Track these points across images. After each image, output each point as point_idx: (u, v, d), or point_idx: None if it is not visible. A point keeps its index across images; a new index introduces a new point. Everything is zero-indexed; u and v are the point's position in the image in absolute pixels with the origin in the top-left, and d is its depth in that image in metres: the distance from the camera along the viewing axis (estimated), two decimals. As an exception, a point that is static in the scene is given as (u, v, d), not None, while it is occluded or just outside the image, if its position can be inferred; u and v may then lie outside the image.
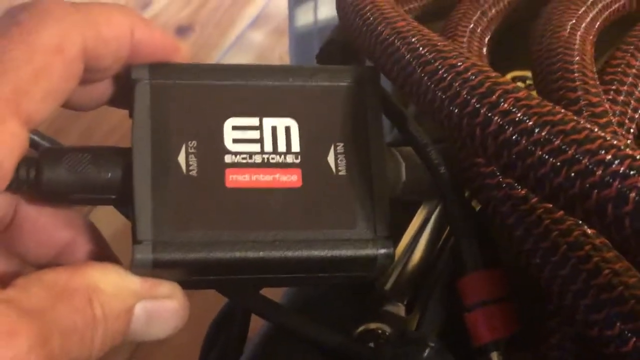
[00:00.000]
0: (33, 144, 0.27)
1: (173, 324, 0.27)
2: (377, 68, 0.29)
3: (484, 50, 0.36)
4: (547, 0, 0.37)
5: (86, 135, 1.32)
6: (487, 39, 0.37)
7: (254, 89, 0.29)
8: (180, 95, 0.28)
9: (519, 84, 0.39)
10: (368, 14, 0.30)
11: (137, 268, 0.26)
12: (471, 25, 0.36)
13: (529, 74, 0.38)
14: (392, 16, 0.29)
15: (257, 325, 0.35)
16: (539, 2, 0.38)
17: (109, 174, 0.27)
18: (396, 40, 0.28)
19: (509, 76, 0.40)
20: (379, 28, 0.29)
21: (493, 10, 0.38)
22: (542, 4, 0.37)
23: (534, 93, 0.32)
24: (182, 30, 1.56)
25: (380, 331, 0.31)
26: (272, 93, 0.29)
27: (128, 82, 0.28)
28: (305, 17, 0.55)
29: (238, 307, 0.34)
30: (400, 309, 0.32)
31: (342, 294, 0.33)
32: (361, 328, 0.31)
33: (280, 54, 1.56)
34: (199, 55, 1.49)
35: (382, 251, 0.28)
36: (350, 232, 0.28)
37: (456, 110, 0.25)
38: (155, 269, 0.26)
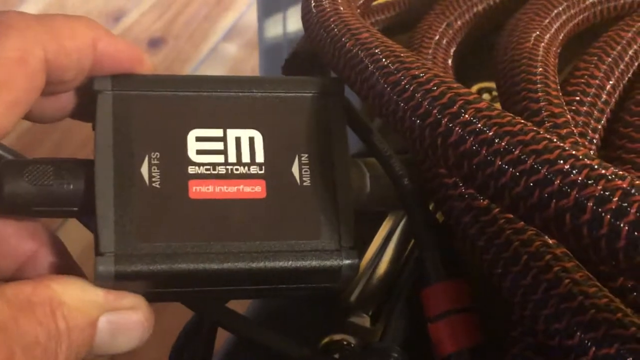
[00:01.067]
0: None
1: (138, 335, 0.27)
2: (342, 79, 0.29)
3: (449, 61, 0.36)
4: (513, 12, 0.38)
5: (57, 149, 1.31)
6: (452, 51, 0.37)
7: (218, 100, 0.28)
8: (143, 106, 0.28)
9: (485, 95, 0.40)
10: (332, 25, 0.30)
11: (100, 280, 0.26)
12: (437, 37, 0.36)
13: (492, 84, 0.39)
14: (356, 27, 0.29)
15: (224, 336, 0.35)
16: (504, 14, 0.39)
17: (71, 186, 0.27)
18: (360, 52, 0.28)
19: (475, 88, 0.40)
20: (343, 39, 0.29)
21: (459, 22, 0.38)
22: (508, 16, 0.38)
23: (499, 105, 0.33)
24: (155, 43, 1.56)
25: (345, 342, 0.31)
26: (236, 104, 0.29)
27: (90, 93, 0.28)
28: (274, 29, 0.55)
29: (204, 320, 0.34)
30: (365, 320, 0.32)
31: (307, 305, 0.33)
32: (326, 339, 0.31)
33: (253, 67, 1.56)
34: (172, 68, 1.49)
35: (347, 262, 0.28)
36: (314, 242, 0.28)
37: (418, 121, 0.25)
38: (118, 281, 0.26)
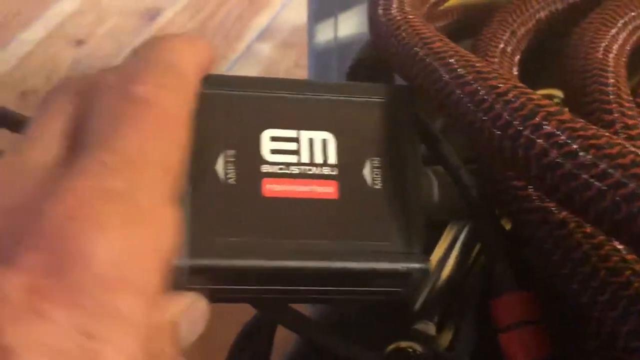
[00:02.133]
0: None
1: (204, 322, 0.27)
2: (413, 88, 0.29)
3: (514, 70, 0.36)
4: (576, 20, 0.37)
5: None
6: (517, 59, 0.36)
7: (292, 102, 0.29)
8: (218, 104, 0.28)
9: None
10: (403, 33, 0.30)
11: (173, 274, 0.26)
12: (501, 45, 0.36)
13: (555, 92, 0.38)
14: (428, 36, 0.29)
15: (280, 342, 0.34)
16: (566, 21, 0.38)
17: None
18: (433, 61, 0.28)
19: (536, 95, 0.40)
20: (415, 48, 0.29)
21: (522, 30, 0.38)
22: (571, 24, 0.37)
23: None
24: (190, 42, 1.56)
25: (411, 350, 0.30)
26: (310, 106, 0.29)
27: None
28: (325, 34, 0.55)
29: (264, 320, 0.34)
30: (430, 328, 0.32)
31: (371, 312, 0.33)
32: (392, 346, 0.31)
33: (287, 67, 1.56)
34: (207, 67, 1.50)
35: (417, 266, 0.28)
36: (385, 245, 0.28)
37: (498, 133, 0.25)
38: (192, 276, 0.26)
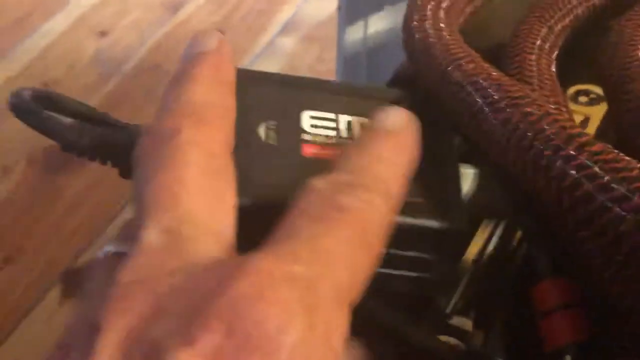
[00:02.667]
0: None
1: None
2: (447, 111, 0.29)
3: (552, 67, 0.35)
4: (614, 16, 0.37)
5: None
6: (554, 55, 0.36)
7: (331, 98, 0.30)
8: (262, 86, 0.30)
9: (582, 98, 0.39)
10: (436, 52, 0.30)
11: None
12: (539, 42, 0.35)
13: (592, 87, 0.38)
14: (462, 56, 0.29)
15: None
16: (603, 17, 0.38)
17: None
18: (467, 85, 0.28)
19: (572, 90, 0.39)
20: (448, 69, 0.29)
21: (559, 26, 0.37)
22: (607, 19, 0.37)
23: (601, 107, 0.33)
24: (213, 35, 1.56)
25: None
26: (348, 102, 0.30)
27: None
28: (354, 36, 0.54)
29: None
30: (467, 324, 0.32)
31: (409, 305, 0.33)
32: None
33: (309, 63, 1.56)
34: (229, 61, 1.49)
35: (454, 226, 0.28)
36: (421, 202, 0.28)
37: (531, 162, 0.25)
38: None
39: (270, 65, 1.51)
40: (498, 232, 0.33)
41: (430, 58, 0.30)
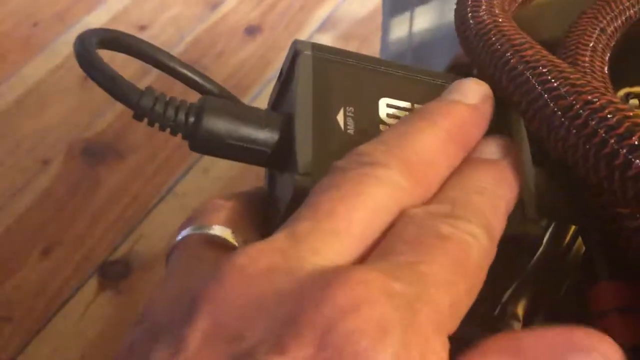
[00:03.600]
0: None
1: None
2: (503, 96, 0.28)
3: (605, 69, 0.34)
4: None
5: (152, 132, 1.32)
6: (607, 57, 0.35)
7: (405, 80, 0.30)
8: (339, 69, 0.29)
9: (633, 101, 0.38)
10: (493, 38, 0.29)
11: (294, 200, 0.26)
12: (591, 44, 0.34)
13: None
14: (520, 43, 0.28)
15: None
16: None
17: (267, 126, 0.28)
18: (525, 71, 0.27)
19: (622, 92, 0.38)
20: (507, 56, 0.28)
21: (612, 27, 0.36)
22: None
23: None
24: (251, 31, 1.56)
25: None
26: (422, 87, 0.30)
27: (290, 54, 0.30)
28: (399, 31, 0.53)
29: None
30: (516, 324, 0.32)
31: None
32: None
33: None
34: (267, 56, 1.50)
35: (532, 231, 0.27)
36: None
37: (593, 151, 0.24)
38: None
39: (308, 62, 1.50)
40: (550, 229, 0.33)
41: (486, 44, 0.29)
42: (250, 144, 0.28)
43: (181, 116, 0.27)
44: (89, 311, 1.08)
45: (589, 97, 0.25)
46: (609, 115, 0.24)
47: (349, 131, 0.28)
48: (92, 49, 0.28)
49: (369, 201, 0.23)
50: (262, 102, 1.19)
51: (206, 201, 0.28)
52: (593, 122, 0.24)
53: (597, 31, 0.36)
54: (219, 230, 0.27)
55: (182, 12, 1.61)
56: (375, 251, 0.22)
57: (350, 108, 0.28)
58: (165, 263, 0.27)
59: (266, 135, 0.28)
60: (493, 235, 0.24)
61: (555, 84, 0.26)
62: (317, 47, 0.29)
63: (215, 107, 0.28)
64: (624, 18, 0.37)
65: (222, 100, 0.29)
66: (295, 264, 0.21)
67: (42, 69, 1.44)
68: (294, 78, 0.29)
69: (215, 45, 1.51)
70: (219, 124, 0.28)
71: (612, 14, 0.37)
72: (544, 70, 0.27)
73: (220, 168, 1.27)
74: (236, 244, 0.26)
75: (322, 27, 1.63)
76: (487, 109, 0.28)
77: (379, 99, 0.29)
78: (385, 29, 0.55)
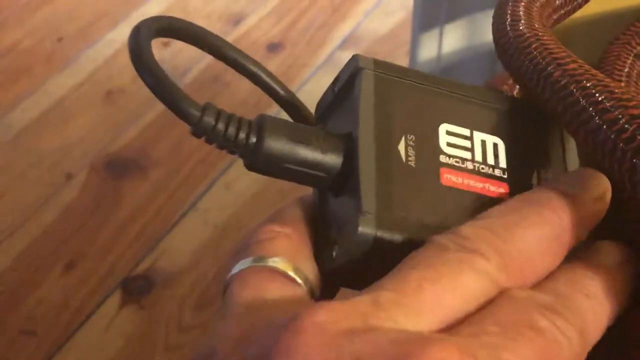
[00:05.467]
0: None
1: None
2: (545, 110, 0.28)
3: (640, 95, 0.34)
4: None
5: (175, 148, 1.33)
6: (641, 83, 0.35)
7: (465, 103, 0.29)
8: (400, 90, 0.28)
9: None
10: (535, 52, 0.29)
11: (356, 243, 0.26)
12: (626, 69, 0.34)
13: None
14: (562, 56, 0.28)
15: None
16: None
17: (327, 151, 0.27)
18: (569, 84, 0.27)
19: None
20: (549, 69, 0.28)
21: (646, 53, 0.36)
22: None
23: None
24: (273, 48, 1.57)
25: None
26: (480, 110, 0.29)
27: (349, 69, 0.29)
28: (428, 50, 0.53)
29: None
30: None
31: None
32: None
33: (369, 76, 1.55)
34: (289, 74, 1.50)
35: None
36: None
37: (641, 165, 0.24)
38: (372, 249, 0.26)
39: (329, 79, 1.50)
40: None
41: (528, 58, 0.29)
42: (311, 169, 0.27)
43: (242, 135, 0.27)
44: (111, 326, 1.08)
45: (636, 112, 0.25)
46: (656, 129, 0.24)
47: (410, 162, 0.27)
48: (150, 57, 0.27)
49: (460, 290, 0.23)
50: (283, 118, 1.18)
51: (259, 228, 0.27)
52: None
53: (630, 58, 0.36)
54: (281, 264, 0.26)
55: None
56: (466, 322, 0.22)
57: (411, 136, 0.27)
58: (222, 296, 0.26)
59: (327, 162, 0.27)
60: (587, 343, 0.23)
61: (599, 98, 0.26)
62: (378, 65, 0.28)
63: (276, 128, 0.27)
64: None
65: (282, 120, 0.28)
66: (376, 330, 0.21)
67: (66, 84, 1.45)
68: (354, 98, 0.28)
69: (237, 62, 1.51)
70: (280, 147, 0.27)
71: None
72: (588, 84, 0.26)
73: (243, 183, 1.27)
74: (298, 279, 0.26)
75: (344, 44, 1.63)
76: (602, 208, 0.26)
77: (439, 125, 0.28)
78: (414, 45, 0.55)
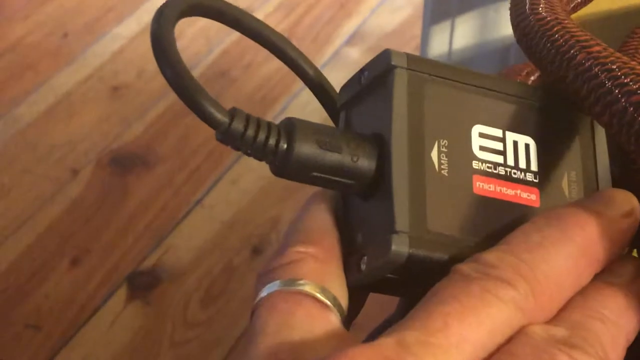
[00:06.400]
0: None
1: None
2: (569, 93, 0.27)
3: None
4: None
5: (181, 143, 1.32)
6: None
7: (498, 100, 0.28)
8: (434, 90, 0.27)
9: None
10: (557, 35, 0.28)
11: (389, 262, 0.25)
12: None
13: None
14: (585, 39, 0.27)
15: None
16: None
17: (359, 158, 0.26)
18: (594, 66, 0.26)
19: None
20: (572, 52, 0.27)
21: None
22: None
23: None
24: (279, 44, 1.56)
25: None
26: (514, 108, 0.28)
27: (381, 65, 0.27)
28: (439, 44, 0.53)
29: None
30: None
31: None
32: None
33: (375, 73, 1.55)
34: (295, 69, 1.49)
35: None
36: None
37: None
38: (405, 266, 0.25)
39: (336, 75, 1.50)
40: None
41: (550, 40, 0.28)
42: (341, 177, 0.27)
43: (272, 142, 0.26)
44: (117, 321, 1.08)
45: (662, 93, 0.24)
46: (684, 111, 0.23)
47: (443, 171, 0.26)
48: (174, 52, 0.25)
49: (487, 322, 0.22)
50: (289, 114, 1.19)
51: (285, 250, 0.27)
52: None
53: None
54: (308, 287, 0.25)
55: (209, 24, 1.61)
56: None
57: (444, 142, 0.26)
58: (250, 318, 0.26)
59: (358, 169, 0.26)
60: None
61: (625, 80, 0.25)
62: (411, 62, 0.27)
63: (305, 134, 0.26)
64: None
65: (310, 124, 0.27)
66: None
67: (72, 79, 1.45)
68: (387, 99, 0.27)
69: (244, 57, 1.51)
70: (311, 154, 0.26)
71: None
72: (613, 66, 0.26)
73: (249, 179, 1.27)
74: (328, 302, 0.25)
75: (351, 40, 1.63)
76: (631, 224, 0.26)
77: (472, 127, 0.27)
78: (425, 39, 0.54)
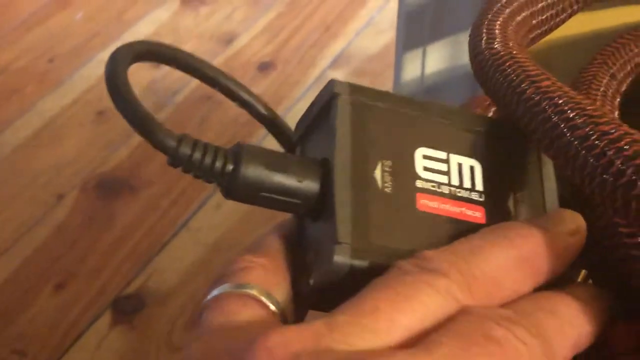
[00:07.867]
0: None
1: None
2: (519, 126, 0.28)
3: (616, 114, 0.34)
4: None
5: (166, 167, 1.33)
6: (617, 103, 0.35)
7: (441, 126, 0.29)
8: (377, 116, 0.28)
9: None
10: (509, 70, 0.29)
11: (332, 272, 0.26)
12: (602, 88, 0.35)
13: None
14: (536, 74, 0.28)
15: None
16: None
17: (304, 179, 0.27)
18: (542, 101, 0.27)
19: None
20: (522, 86, 0.28)
21: (621, 74, 0.37)
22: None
23: None
24: (264, 67, 1.57)
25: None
26: (457, 133, 0.29)
27: (326, 95, 0.29)
28: (412, 70, 0.54)
29: None
30: None
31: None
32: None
33: (360, 95, 1.56)
34: (280, 92, 1.50)
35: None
36: None
37: (611, 179, 0.24)
38: (347, 276, 0.26)
39: (321, 98, 1.51)
40: None
41: (502, 75, 0.29)
42: (288, 197, 0.28)
43: (218, 165, 0.27)
44: (102, 345, 1.08)
45: (606, 128, 0.25)
46: (625, 146, 0.24)
47: (386, 190, 0.27)
48: (126, 88, 0.27)
49: (419, 308, 0.23)
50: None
51: (236, 258, 0.28)
52: (610, 152, 0.24)
53: (607, 77, 0.36)
54: (253, 290, 0.26)
55: (196, 47, 1.62)
56: (423, 338, 0.22)
57: (388, 162, 0.28)
58: (199, 317, 0.27)
59: (304, 189, 0.28)
60: (550, 354, 0.23)
61: (571, 115, 0.26)
62: (354, 90, 0.29)
63: (253, 156, 0.27)
64: (633, 64, 0.38)
65: (259, 148, 0.28)
66: (326, 351, 0.21)
67: (57, 104, 1.45)
68: (330, 124, 0.28)
69: (229, 81, 1.52)
70: (256, 175, 0.27)
71: (622, 60, 0.37)
72: (560, 101, 0.27)
73: (233, 203, 1.26)
74: (272, 306, 0.26)
75: (335, 63, 1.64)
76: (577, 242, 0.27)
77: (415, 150, 0.28)
78: (398, 65, 0.55)
